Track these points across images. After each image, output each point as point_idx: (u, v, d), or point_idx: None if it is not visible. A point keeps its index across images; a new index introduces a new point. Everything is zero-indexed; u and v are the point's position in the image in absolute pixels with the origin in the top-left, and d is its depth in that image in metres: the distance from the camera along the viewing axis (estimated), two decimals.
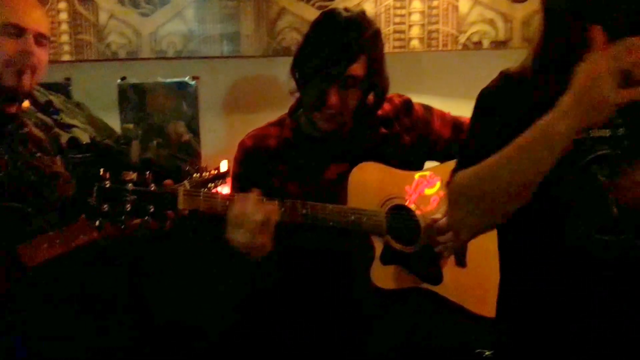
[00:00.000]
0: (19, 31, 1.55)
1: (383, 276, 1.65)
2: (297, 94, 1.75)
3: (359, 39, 1.61)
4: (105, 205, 1.39)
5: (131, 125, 2.64)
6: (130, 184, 1.42)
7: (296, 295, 1.74)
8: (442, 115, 1.86)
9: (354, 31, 1.61)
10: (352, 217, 1.62)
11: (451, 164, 1.84)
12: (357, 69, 1.62)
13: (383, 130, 1.78)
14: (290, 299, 1.75)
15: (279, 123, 1.81)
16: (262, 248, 1.49)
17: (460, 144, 1.43)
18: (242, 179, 1.73)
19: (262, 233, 1.46)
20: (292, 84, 1.73)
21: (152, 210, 1.43)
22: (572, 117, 1.00)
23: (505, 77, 1.21)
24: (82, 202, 1.44)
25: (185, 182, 1.96)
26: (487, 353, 1.74)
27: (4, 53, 1.53)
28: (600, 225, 1.11)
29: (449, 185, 1.21)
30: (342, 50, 1.59)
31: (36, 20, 1.58)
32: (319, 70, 1.61)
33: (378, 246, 1.66)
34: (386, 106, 1.81)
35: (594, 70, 0.97)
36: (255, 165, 1.72)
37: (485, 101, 1.22)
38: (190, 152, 2.60)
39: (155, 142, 2.61)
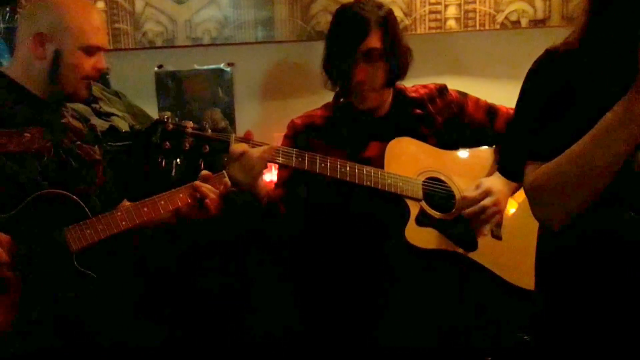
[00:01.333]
0: (97, 50, 1.68)
1: (417, 235, 1.69)
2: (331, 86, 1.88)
3: (369, 15, 1.75)
4: (167, 142, 1.59)
5: (169, 113, 2.66)
6: (189, 128, 1.61)
7: (329, 250, 1.84)
8: (477, 100, 1.92)
9: (364, 10, 1.76)
10: (389, 180, 1.71)
11: (485, 150, 1.87)
12: (374, 41, 1.74)
13: (417, 110, 1.86)
14: (323, 254, 1.86)
15: (325, 106, 1.94)
16: (251, 184, 1.66)
17: (514, 125, 1.41)
18: None
19: (250, 170, 1.62)
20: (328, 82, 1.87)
21: (207, 150, 1.61)
22: None
23: (551, 54, 1.20)
24: (147, 140, 1.61)
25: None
26: (525, 337, 1.73)
27: (82, 69, 1.66)
28: (636, 206, 1.10)
29: (527, 182, 1.20)
30: (355, 27, 1.74)
31: (105, 38, 1.74)
32: (341, 51, 1.75)
33: (413, 209, 1.72)
34: (421, 90, 1.91)
35: None
36: (302, 141, 1.85)
37: (535, 79, 1.22)
38: None
39: (202, 124, 2.64)
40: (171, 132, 1.59)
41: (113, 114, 2.40)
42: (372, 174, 1.70)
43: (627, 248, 1.13)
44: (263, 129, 2.61)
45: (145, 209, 1.63)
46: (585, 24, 1.14)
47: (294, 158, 1.67)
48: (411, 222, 1.70)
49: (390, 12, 1.80)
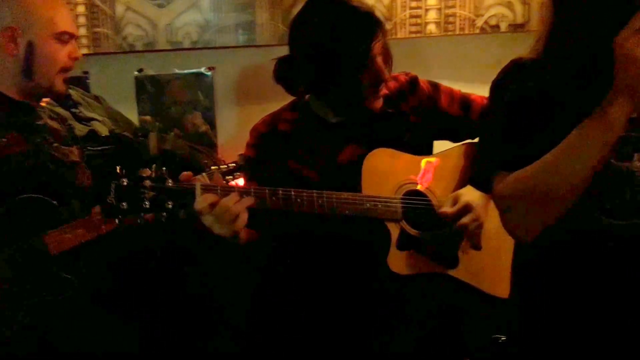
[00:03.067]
0: (69, 38, 1.63)
1: (400, 262, 1.66)
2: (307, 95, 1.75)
3: (371, 10, 1.65)
4: (123, 203, 1.41)
5: (149, 117, 2.66)
6: (147, 181, 1.43)
7: (313, 285, 1.75)
8: (450, 93, 1.84)
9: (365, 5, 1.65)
10: (368, 205, 1.63)
11: (456, 148, 1.83)
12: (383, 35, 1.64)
13: (390, 110, 1.76)
14: (307, 289, 1.76)
15: (292, 108, 1.81)
16: (239, 235, 1.51)
17: (483, 137, 1.40)
18: (256, 164, 1.73)
19: (234, 223, 1.46)
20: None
21: (170, 205, 1.44)
22: (621, 100, 1.00)
23: (518, 67, 1.20)
24: (101, 200, 1.46)
25: (204, 174, 1.96)
26: (502, 338, 1.74)
27: (57, 59, 1.61)
28: (611, 209, 1.11)
29: (495, 191, 1.19)
30: (367, 21, 1.61)
31: (75, 26, 1.69)
32: (359, 48, 1.58)
33: (394, 232, 1.67)
34: (392, 84, 1.78)
35: (627, 48, 0.98)
36: (269, 149, 1.73)
37: (501, 94, 1.21)
38: (206, 143, 2.61)
39: (173, 133, 2.63)
40: (127, 190, 1.42)
41: (93, 119, 2.39)
42: (351, 201, 1.62)
43: (604, 252, 1.14)
44: (245, 133, 2.59)
45: None
46: (549, 31, 1.14)
47: (267, 198, 1.54)
48: (392, 248, 1.66)
49: None
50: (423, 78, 1.87)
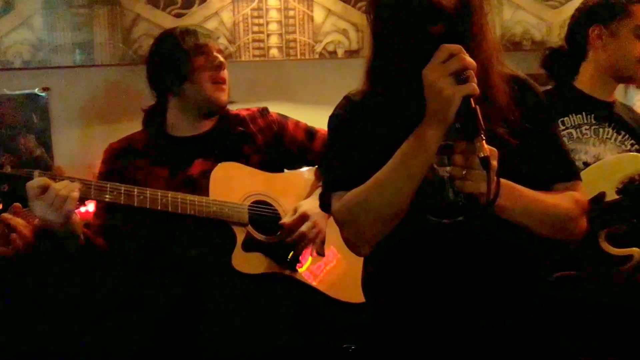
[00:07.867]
0: None
1: (243, 262, 1.73)
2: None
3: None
4: None
5: None
6: None
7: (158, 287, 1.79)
8: (297, 122, 2.01)
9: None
10: (214, 208, 1.71)
11: (307, 170, 1.98)
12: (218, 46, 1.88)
13: (240, 128, 1.90)
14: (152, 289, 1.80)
15: (143, 129, 1.92)
16: (64, 223, 1.53)
17: (323, 165, 1.51)
18: (107, 178, 1.75)
19: (63, 206, 1.50)
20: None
21: (5, 189, 1.50)
22: (433, 124, 1.11)
23: (348, 100, 1.31)
24: None
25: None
26: (352, 347, 1.83)
27: None
28: (438, 209, 1.22)
29: (332, 210, 1.28)
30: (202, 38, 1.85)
31: None
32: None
33: (240, 235, 1.74)
34: (242, 112, 1.96)
35: (432, 79, 1.09)
36: (121, 163, 1.80)
37: (335, 125, 1.32)
38: (42, 167, 2.46)
39: (3, 158, 2.45)
40: None
41: None
42: (196, 202, 1.69)
43: (436, 250, 1.24)
44: (84, 155, 2.50)
45: None
46: (371, 60, 1.25)
47: (107, 193, 1.60)
48: (237, 249, 1.73)
49: None
50: (269, 100, 2.08)
